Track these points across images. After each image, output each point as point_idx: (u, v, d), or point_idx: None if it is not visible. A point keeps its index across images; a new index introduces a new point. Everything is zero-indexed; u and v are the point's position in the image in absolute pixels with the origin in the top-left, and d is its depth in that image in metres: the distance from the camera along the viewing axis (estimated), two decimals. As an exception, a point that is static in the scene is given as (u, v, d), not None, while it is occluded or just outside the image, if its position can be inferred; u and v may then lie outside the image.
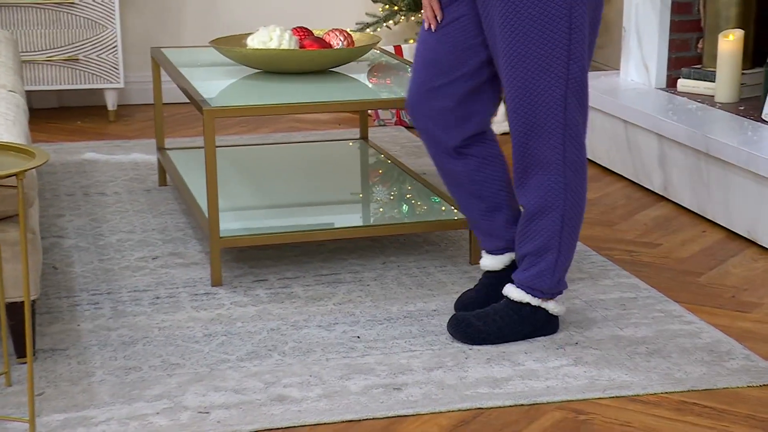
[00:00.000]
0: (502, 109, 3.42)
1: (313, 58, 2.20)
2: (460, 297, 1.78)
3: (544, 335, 1.69)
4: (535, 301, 1.67)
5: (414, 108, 1.67)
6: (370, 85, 2.18)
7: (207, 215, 1.99)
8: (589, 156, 2.99)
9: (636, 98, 2.79)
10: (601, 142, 2.90)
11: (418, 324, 1.78)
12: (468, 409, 1.49)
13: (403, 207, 2.19)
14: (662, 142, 2.56)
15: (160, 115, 2.68)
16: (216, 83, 2.17)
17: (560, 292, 1.69)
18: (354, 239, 2.28)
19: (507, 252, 1.75)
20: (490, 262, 1.75)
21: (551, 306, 1.68)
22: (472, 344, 1.68)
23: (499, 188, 1.73)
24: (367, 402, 1.50)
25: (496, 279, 1.75)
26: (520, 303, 1.67)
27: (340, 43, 2.28)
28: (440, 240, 2.27)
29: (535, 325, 1.68)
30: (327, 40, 2.30)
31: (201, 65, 2.42)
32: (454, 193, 1.74)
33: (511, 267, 1.75)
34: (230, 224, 2.05)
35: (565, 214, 1.61)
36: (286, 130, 3.50)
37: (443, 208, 2.16)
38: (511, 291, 1.68)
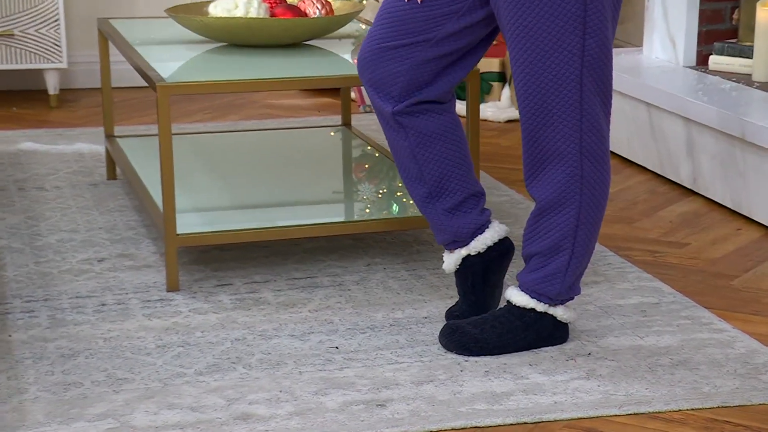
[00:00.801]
0: (506, 92, 3.45)
1: (286, 29, 2.22)
2: (450, 308, 1.79)
3: (552, 345, 1.70)
4: (540, 307, 1.68)
5: (363, 65, 1.66)
6: (351, 61, 2.20)
7: (162, 210, 2.00)
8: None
9: (661, 78, 2.81)
10: (620, 129, 2.92)
11: (406, 333, 1.80)
12: (463, 428, 1.49)
13: (391, 201, 2.21)
14: (691, 127, 2.59)
15: (109, 99, 2.69)
16: (173, 58, 2.18)
17: (571, 299, 1.70)
18: (334, 238, 2.29)
19: (459, 247, 1.73)
20: (445, 260, 1.75)
21: (560, 312, 1.69)
22: (469, 355, 1.68)
23: (444, 169, 1.69)
24: (345, 420, 1.51)
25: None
26: (524, 308, 1.68)
27: (317, 11, 2.29)
28: (432, 238, 2.28)
29: (541, 333, 1.68)
30: (302, 8, 2.31)
31: (156, 39, 2.44)
32: (399, 171, 1.73)
33: (472, 264, 1.72)
34: (189, 220, 2.05)
35: (582, 210, 1.60)
36: (258, 117, 3.52)
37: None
38: (514, 295, 1.68)
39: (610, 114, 1.65)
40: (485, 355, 1.67)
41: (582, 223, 1.61)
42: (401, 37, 1.63)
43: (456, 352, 1.69)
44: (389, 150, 1.67)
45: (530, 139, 1.60)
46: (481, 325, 1.68)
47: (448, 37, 1.63)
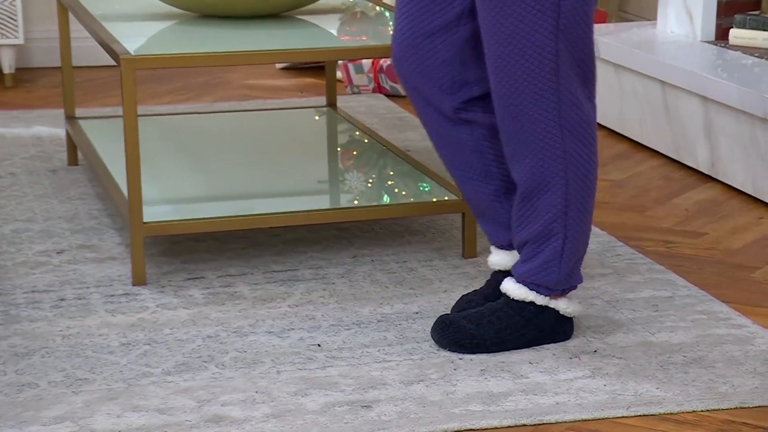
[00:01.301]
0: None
1: (264, -2, 2.23)
2: (458, 301, 1.80)
3: (554, 342, 1.71)
4: (540, 300, 1.68)
5: (401, 61, 1.66)
6: (335, 34, 2.20)
7: (127, 196, 2.01)
8: (617, 127, 3.03)
9: (677, 53, 2.82)
10: (632, 110, 2.93)
11: (395, 329, 1.80)
12: (456, 431, 1.50)
13: (380, 188, 2.22)
14: (709, 107, 2.60)
15: (70, 77, 2.69)
16: (141, 31, 2.19)
17: (573, 287, 1.70)
18: (317, 227, 2.30)
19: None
20: (500, 258, 1.76)
21: (562, 305, 1.69)
22: (463, 352, 1.69)
23: None
24: (327, 422, 1.52)
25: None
26: (522, 302, 1.68)
27: (299, -21, 2.30)
28: (426, 228, 2.30)
29: (542, 328, 1.69)
30: (282, -24, 2.32)
31: (122, 11, 2.44)
32: (455, 172, 1.74)
33: None
34: (157, 208, 2.06)
35: (569, 189, 1.61)
36: (235, 98, 3.52)
37: (430, 188, 2.20)
38: (511, 287, 1.68)
39: (593, 87, 1.64)
40: (481, 352, 1.68)
41: (571, 203, 1.61)
42: (435, 16, 1.62)
43: (449, 349, 1.69)
44: (440, 154, 1.72)
45: (505, 112, 1.60)
46: (477, 320, 1.69)
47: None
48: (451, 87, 1.66)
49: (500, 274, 1.78)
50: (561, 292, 1.69)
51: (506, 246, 1.77)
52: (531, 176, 1.61)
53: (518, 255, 1.73)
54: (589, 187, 1.62)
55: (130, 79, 1.92)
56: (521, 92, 1.58)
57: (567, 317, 1.71)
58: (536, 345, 1.69)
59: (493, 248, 1.77)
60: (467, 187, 1.73)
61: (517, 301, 1.68)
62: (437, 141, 1.72)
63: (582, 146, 1.61)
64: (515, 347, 1.68)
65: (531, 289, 1.67)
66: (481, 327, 1.68)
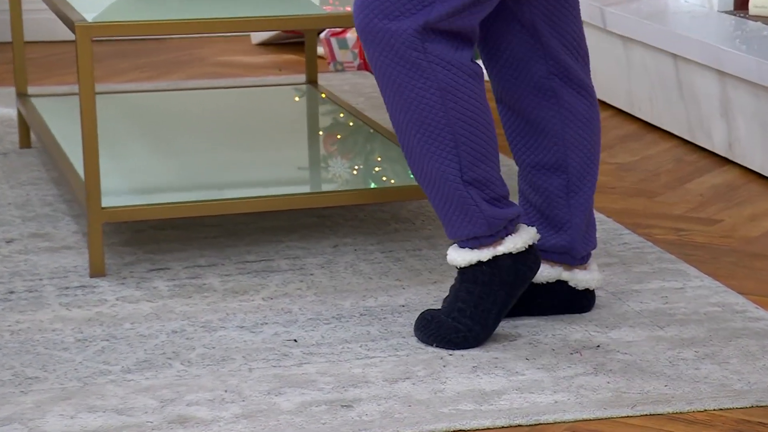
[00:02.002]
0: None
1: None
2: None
3: (525, 282, 1.70)
4: (484, 254, 1.70)
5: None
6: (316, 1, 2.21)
7: (83, 180, 2.00)
8: (626, 106, 3.04)
9: (691, 24, 2.83)
10: (641, 87, 2.94)
11: (379, 323, 1.81)
12: (444, 431, 1.52)
13: (364, 171, 2.22)
14: (726, 82, 2.61)
15: (21, 53, 2.69)
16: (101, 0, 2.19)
17: (507, 222, 1.70)
18: (295, 214, 2.31)
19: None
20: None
21: (508, 244, 1.70)
22: (454, 348, 1.70)
23: (589, 155, 1.80)
24: (303, 423, 1.52)
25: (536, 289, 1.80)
26: (473, 267, 1.70)
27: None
28: (414, 215, 2.31)
29: (507, 280, 1.70)
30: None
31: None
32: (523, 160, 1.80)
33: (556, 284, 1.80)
34: (117, 192, 2.06)
35: (451, 123, 1.65)
36: (207, 76, 3.52)
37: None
38: (453, 256, 1.72)
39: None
40: (472, 345, 1.69)
41: (461, 141, 1.64)
42: None
43: (438, 346, 1.71)
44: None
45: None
46: (450, 311, 1.71)
47: None
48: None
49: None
50: (497, 235, 1.69)
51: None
52: (403, 117, 1.66)
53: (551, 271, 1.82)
54: (475, 118, 1.64)
55: (87, 50, 1.91)
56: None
57: (526, 252, 1.71)
58: (515, 296, 1.70)
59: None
60: (536, 179, 1.81)
61: (469, 269, 1.70)
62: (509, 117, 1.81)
63: (451, 73, 1.63)
64: (499, 316, 1.69)
65: (465, 247, 1.69)
66: (458, 317, 1.70)
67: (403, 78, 1.63)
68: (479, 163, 1.66)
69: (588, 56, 1.80)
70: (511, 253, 1.70)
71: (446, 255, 1.86)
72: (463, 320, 1.70)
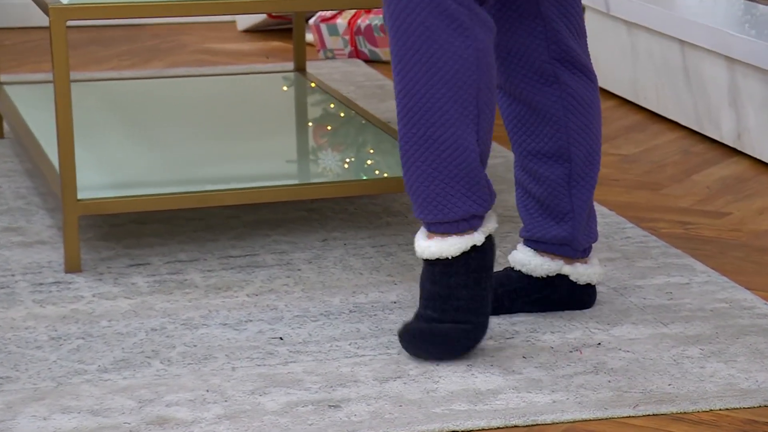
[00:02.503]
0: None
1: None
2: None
3: (492, 264, 1.69)
4: (476, 238, 1.67)
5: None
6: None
7: (58, 171, 2.00)
8: (630, 95, 3.05)
9: (699, 9, 2.84)
10: (646, 74, 2.95)
11: (369, 320, 1.81)
12: (437, 433, 1.52)
13: (355, 162, 2.22)
14: (735, 70, 2.61)
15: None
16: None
17: (456, 214, 1.68)
18: (281, 207, 2.31)
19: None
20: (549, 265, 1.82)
21: (491, 225, 1.70)
22: (469, 350, 1.67)
23: (593, 143, 1.80)
24: (288, 424, 1.52)
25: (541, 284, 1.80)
26: (464, 255, 1.67)
27: None
28: (407, 208, 2.31)
29: (489, 264, 1.68)
30: None
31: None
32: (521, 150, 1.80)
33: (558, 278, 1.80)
34: (94, 184, 2.06)
35: (480, 90, 1.65)
36: (190, 64, 3.52)
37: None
38: (439, 247, 1.67)
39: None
40: (480, 333, 1.66)
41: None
42: None
43: (441, 358, 1.67)
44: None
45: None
46: (444, 312, 1.67)
47: None
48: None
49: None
50: (449, 226, 1.67)
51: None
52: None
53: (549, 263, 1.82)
54: (494, 95, 1.65)
55: (61, 34, 1.91)
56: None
57: (485, 238, 1.68)
58: (485, 280, 1.67)
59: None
60: (536, 168, 1.81)
61: (460, 259, 1.66)
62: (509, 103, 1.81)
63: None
64: (481, 304, 1.66)
65: (461, 233, 1.65)
66: (456, 316, 1.67)
67: (441, 33, 1.61)
68: (488, 140, 1.67)
69: (586, 35, 1.81)
70: (490, 234, 1.70)
71: (417, 249, 1.72)
72: (466, 317, 1.66)
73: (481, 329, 1.68)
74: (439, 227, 1.68)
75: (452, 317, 1.67)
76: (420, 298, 1.71)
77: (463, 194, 1.66)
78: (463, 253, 1.68)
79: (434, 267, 1.67)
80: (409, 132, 1.65)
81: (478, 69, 1.63)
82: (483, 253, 1.69)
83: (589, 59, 1.80)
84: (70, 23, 3.85)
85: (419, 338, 1.67)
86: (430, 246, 1.68)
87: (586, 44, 1.81)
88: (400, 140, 1.68)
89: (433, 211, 1.67)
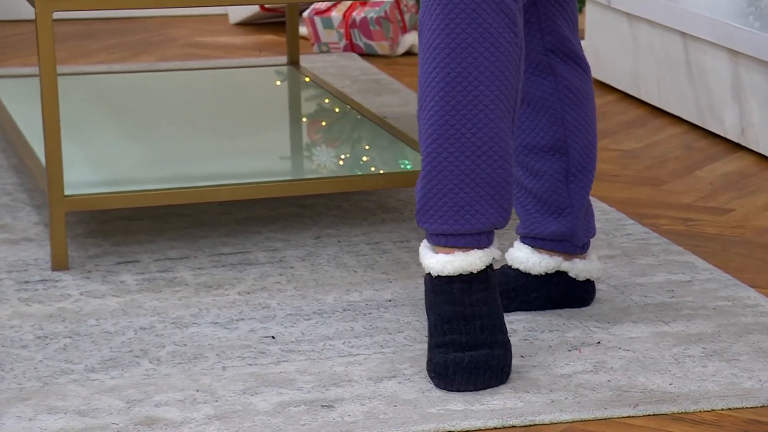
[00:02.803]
0: None
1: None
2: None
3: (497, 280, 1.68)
4: (496, 252, 1.64)
5: None
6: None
7: (45, 166, 2.00)
8: (632, 89, 3.05)
9: (701, 0, 2.84)
10: (648, 68, 2.95)
11: (363, 319, 1.82)
12: (432, 434, 1.52)
13: (350, 157, 2.22)
14: (739, 63, 2.61)
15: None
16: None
17: (448, 230, 1.63)
18: (274, 203, 2.31)
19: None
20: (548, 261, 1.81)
21: (496, 242, 1.68)
22: (507, 379, 1.63)
23: (591, 138, 1.81)
24: (280, 424, 1.52)
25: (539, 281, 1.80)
26: (484, 271, 1.63)
27: None
28: (402, 205, 2.31)
29: (493, 281, 1.63)
30: None
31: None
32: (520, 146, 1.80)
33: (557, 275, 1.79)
34: (81, 179, 2.06)
35: (519, 88, 1.66)
36: (181, 57, 3.52)
37: (408, 159, 2.20)
38: (463, 261, 1.61)
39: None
40: (510, 355, 1.61)
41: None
42: None
43: (482, 387, 1.60)
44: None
45: None
46: (474, 338, 1.61)
47: None
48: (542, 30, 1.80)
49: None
50: (471, 239, 1.62)
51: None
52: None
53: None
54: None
55: (47, 25, 1.91)
56: None
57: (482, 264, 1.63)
58: (498, 294, 1.63)
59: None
60: (532, 162, 1.81)
61: (481, 274, 1.61)
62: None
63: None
64: (503, 320, 1.62)
65: (482, 248, 1.61)
66: (488, 340, 1.61)
67: (496, 27, 1.57)
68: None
69: (578, 24, 1.81)
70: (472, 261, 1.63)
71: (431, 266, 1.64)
72: (497, 339, 1.61)
73: (510, 352, 1.62)
74: (460, 240, 1.60)
75: (484, 341, 1.59)
76: (435, 325, 1.61)
77: (491, 204, 1.60)
78: (486, 267, 1.61)
79: (452, 285, 1.60)
80: (446, 133, 1.58)
81: (519, 68, 1.61)
82: (492, 269, 1.65)
83: (581, 49, 1.80)
84: (58, 15, 3.84)
85: (460, 372, 1.58)
86: (453, 260, 1.60)
87: (578, 33, 1.81)
88: (428, 141, 1.60)
89: (459, 221, 1.60)
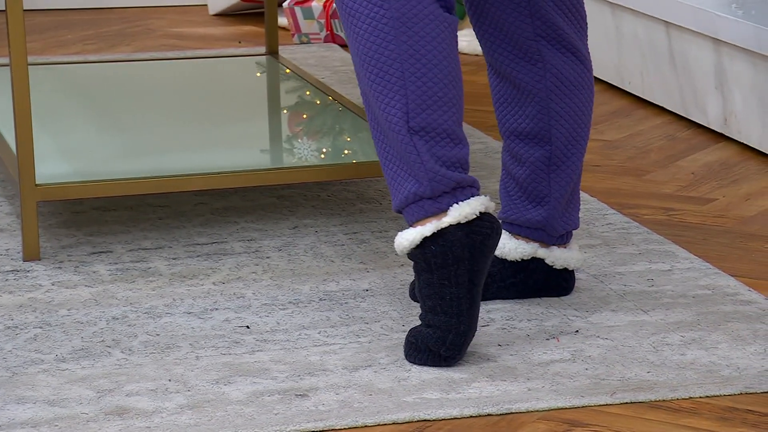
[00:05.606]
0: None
1: None
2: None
3: (486, 252, 1.65)
4: (427, 229, 1.64)
5: None
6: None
7: (16, 154, 2.00)
8: (615, 79, 3.06)
9: (684, -9, 2.86)
10: (631, 58, 2.96)
11: (340, 309, 1.82)
12: (407, 422, 1.51)
13: (329, 147, 2.23)
14: (722, 52, 2.63)
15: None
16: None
17: (451, 187, 1.66)
18: (251, 193, 2.31)
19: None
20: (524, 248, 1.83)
21: (449, 218, 1.65)
22: (448, 361, 1.64)
23: (576, 127, 1.82)
24: (253, 413, 1.53)
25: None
26: (421, 251, 1.64)
27: None
28: (381, 195, 2.32)
29: (462, 255, 1.63)
30: None
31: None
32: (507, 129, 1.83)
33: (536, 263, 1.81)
34: (54, 168, 2.06)
35: (402, 59, 1.64)
36: (159, 48, 3.52)
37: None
38: (398, 240, 1.65)
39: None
40: (455, 338, 1.62)
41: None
42: None
43: (432, 365, 1.64)
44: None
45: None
46: (424, 317, 1.66)
47: None
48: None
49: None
50: (442, 203, 1.64)
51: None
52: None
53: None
54: (432, 62, 1.63)
55: (18, 9, 1.91)
56: None
57: (478, 219, 1.64)
58: (481, 270, 1.63)
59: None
60: (516, 149, 1.83)
61: (419, 256, 1.63)
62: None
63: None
64: (474, 297, 1.63)
65: (414, 223, 1.63)
66: (431, 319, 1.64)
67: (359, 5, 1.62)
68: (429, 109, 1.63)
69: (586, 22, 1.81)
70: (459, 224, 1.63)
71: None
72: (437, 318, 1.64)
73: (454, 335, 1.62)
74: (411, 215, 1.65)
75: (428, 320, 1.63)
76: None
77: (401, 176, 1.65)
78: (420, 250, 1.62)
79: (413, 268, 1.66)
80: (368, 117, 1.69)
81: (396, 39, 1.64)
82: (446, 246, 1.62)
83: (585, 46, 1.80)
84: (33, 5, 3.84)
85: (408, 345, 1.65)
86: (396, 239, 1.67)
87: (585, 31, 1.80)
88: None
89: (392, 198, 1.68)
